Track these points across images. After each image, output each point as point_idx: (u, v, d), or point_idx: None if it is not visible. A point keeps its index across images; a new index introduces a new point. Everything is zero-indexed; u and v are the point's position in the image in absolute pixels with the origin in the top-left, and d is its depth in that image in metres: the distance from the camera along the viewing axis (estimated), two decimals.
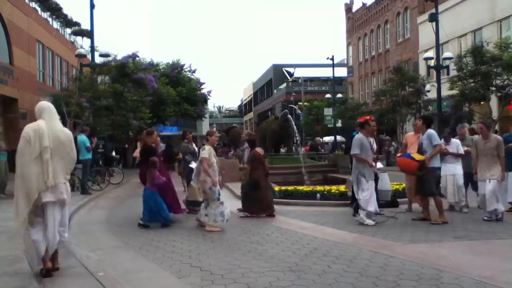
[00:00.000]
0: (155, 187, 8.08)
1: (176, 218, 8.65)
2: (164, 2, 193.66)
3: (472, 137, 9.74)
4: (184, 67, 35.52)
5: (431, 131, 8.13)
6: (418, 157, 7.82)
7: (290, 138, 22.52)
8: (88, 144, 13.03)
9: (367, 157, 7.86)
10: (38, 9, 27.10)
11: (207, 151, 7.88)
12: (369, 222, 7.68)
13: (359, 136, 8.06)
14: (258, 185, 8.97)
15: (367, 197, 7.77)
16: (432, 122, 8.56)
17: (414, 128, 9.83)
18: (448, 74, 22.56)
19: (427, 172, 7.79)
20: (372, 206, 7.79)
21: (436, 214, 7.87)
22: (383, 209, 8.84)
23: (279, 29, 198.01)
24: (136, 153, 8.47)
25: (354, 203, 8.54)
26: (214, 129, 41.26)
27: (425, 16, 26.07)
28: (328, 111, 35.61)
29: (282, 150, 23.45)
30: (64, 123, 18.08)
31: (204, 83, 36.60)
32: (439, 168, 8.20)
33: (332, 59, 37.21)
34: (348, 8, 45.60)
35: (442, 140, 9.09)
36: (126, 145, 27.98)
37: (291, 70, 58.44)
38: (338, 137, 33.15)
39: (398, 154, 8.60)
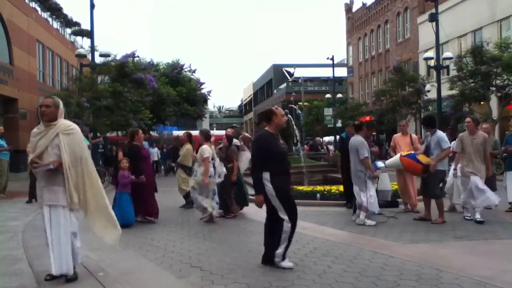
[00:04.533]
0: (124, 187, 8.12)
1: (174, 218, 8.67)
2: (164, 2, 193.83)
3: (496, 139, 9.79)
4: (184, 67, 35.53)
5: (441, 133, 8.03)
6: (423, 159, 7.78)
7: (291, 138, 22.53)
8: (87, 143, 13.05)
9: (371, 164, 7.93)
10: (38, 9, 27.12)
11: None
12: (371, 222, 7.69)
13: (361, 138, 8.00)
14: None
15: (372, 199, 7.79)
16: (434, 121, 8.48)
17: (401, 129, 9.77)
18: (448, 74, 22.56)
19: (431, 174, 7.77)
20: (375, 207, 7.83)
21: (436, 213, 7.87)
22: (383, 209, 8.85)
23: (279, 29, 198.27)
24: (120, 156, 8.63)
25: (353, 204, 8.53)
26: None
27: (425, 16, 26.08)
28: (328, 111, 35.61)
29: None
30: None
31: (204, 83, 36.62)
32: (444, 171, 8.21)
33: (332, 59, 37.20)
34: (348, 8, 45.60)
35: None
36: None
37: (291, 70, 58.39)
38: (338, 137, 33.16)
39: (403, 153, 8.46)
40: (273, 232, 5.21)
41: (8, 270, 5.21)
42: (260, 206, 5.17)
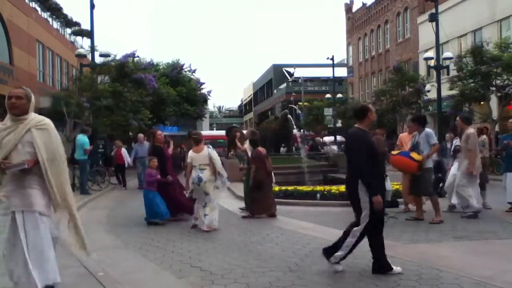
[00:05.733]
0: (150, 185, 8.30)
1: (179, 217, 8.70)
2: (164, 2, 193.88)
3: (483, 138, 9.81)
4: (184, 67, 35.52)
5: (429, 130, 8.19)
6: (416, 157, 7.80)
7: (291, 138, 22.58)
8: (87, 146, 12.93)
9: None
10: (38, 9, 27.08)
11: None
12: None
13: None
14: (261, 185, 8.96)
15: None
16: (425, 121, 8.58)
17: (408, 129, 9.82)
18: (448, 74, 22.56)
19: (423, 172, 7.79)
20: None
21: (432, 213, 7.87)
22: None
23: (279, 29, 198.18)
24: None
25: None
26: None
27: (425, 16, 26.06)
28: (328, 111, 35.63)
29: (283, 150, 23.52)
30: (64, 123, 18.25)
31: (204, 83, 36.61)
32: (431, 168, 8.28)
33: (332, 59, 37.23)
34: (348, 8, 45.59)
35: (457, 139, 9.15)
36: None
37: (291, 70, 58.43)
38: (339, 137, 33.17)
39: (394, 152, 8.56)
40: (376, 233, 4.86)
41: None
42: (380, 207, 4.70)
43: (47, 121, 4.07)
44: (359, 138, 4.84)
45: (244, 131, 11.44)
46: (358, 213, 4.83)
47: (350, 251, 4.87)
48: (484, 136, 10.34)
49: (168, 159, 8.97)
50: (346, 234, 4.89)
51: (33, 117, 4.01)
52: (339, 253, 4.86)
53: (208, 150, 7.97)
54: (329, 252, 4.94)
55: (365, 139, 4.83)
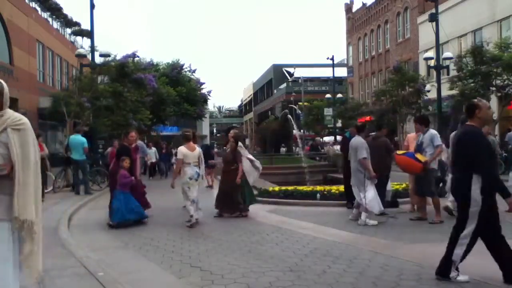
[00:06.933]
0: (124, 186, 8.21)
1: (174, 218, 8.68)
2: (164, 2, 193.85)
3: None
4: (184, 67, 35.53)
5: (433, 131, 8.17)
6: (421, 158, 7.79)
7: (291, 138, 22.57)
8: (86, 145, 12.95)
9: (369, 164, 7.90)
10: (38, 9, 27.09)
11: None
12: (373, 222, 7.71)
13: (361, 139, 8.06)
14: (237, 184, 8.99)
15: (373, 198, 7.80)
16: (428, 121, 8.56)
17: (415, 129, 9.83)
18: (448, 74, 22.56)
19: (427, 173, 7.80)
20: (377, 207, 7.85)
21: (433, 213, 7.87)
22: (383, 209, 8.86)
23: (279, 29, 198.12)
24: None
25: (353, 204, 8.54)
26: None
27: (425, 16, 26.07)
28: (328, 111, 35.64)
29: (282, 150, 23.51)
30: (64, 123, 18.26)
31: (204, 83, 36.64)
32: (438, 169, 8.27)
33: (332, 59, 37.27)
34: (348, 8, 45.60)
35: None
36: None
37: (291, 70, 58.46)
38: (338, 137, 33.18)
39: (399, 152, 8.55)
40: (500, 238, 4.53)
41: None
42: None
43: (25, 120, 3.54)
44: (476, 136, 4.45)
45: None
46: (464, 216, 4.50)
47: (463, 258, 4.52)
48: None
49: (135, 161, 8.81)
50: (452, 244, 4.55)
51: (10, 114, 3.45)
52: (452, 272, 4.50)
53: (199, 150, 8.33)
54: (444, 271, 4.54)
55: (483, 137, 4.54)
